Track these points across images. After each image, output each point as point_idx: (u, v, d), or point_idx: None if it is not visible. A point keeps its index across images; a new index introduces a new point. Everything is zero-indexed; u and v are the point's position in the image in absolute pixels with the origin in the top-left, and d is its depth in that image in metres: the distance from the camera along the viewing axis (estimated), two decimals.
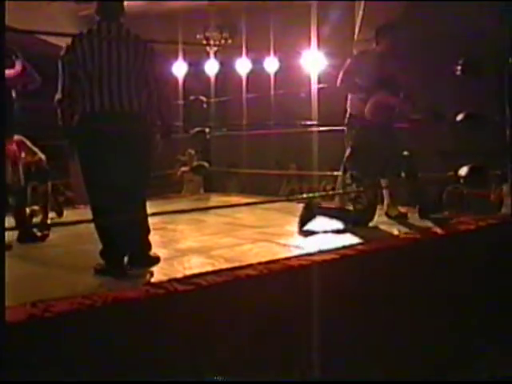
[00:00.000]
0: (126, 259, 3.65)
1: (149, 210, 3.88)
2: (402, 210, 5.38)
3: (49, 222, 5.36)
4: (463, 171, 4.96)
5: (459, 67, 4.93)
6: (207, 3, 9.80)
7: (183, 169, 9.42)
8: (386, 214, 5.31)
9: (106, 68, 3.61)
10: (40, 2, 7.74)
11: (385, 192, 5.31)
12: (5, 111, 2.46)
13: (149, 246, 3.85)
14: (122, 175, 3.59)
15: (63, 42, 3.85)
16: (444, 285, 4.19)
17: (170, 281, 3.27)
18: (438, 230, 4.67)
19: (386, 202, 5.35)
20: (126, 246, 3.66)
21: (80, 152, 3.75)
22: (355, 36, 9.13)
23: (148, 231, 3.84)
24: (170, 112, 3.99)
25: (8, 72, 4.46)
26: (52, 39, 7.37)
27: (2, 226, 2.56)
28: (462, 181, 5.06)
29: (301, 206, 5.09)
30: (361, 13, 9.08)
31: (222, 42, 9.71)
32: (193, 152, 9.56)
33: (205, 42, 9.68)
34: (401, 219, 5.16)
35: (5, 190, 4.21)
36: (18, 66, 4.57)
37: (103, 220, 3.59)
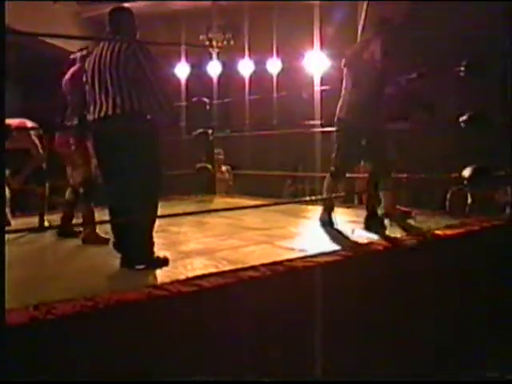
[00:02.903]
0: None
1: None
2: (403, 209, 5.36)
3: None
4: (467, 172, 4.95)
5: (462, 68, 4.90)
6: (210, 4, 9.82)
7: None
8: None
9: (97, 75, 3.80)
10: (43, 2, 7.75)
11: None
12: (4, 109, 2.45)
13: (151, 247, 3.83)
14: (126, 177, 3.66)
15: (67, 45, 3.97)
16: (447, 286, 4.18)
17: (173, 282, 3.26)
18: (441, 232, 4.66)
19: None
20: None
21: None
22: (358, 37, 9.12)
23: (152, 233, 3.83)
24: (172, 108, 4.00)
25: None
26: (55, 41, 7.39)
27: (2, 226, 2.56)
28: (465, 182, 5.05)
29: (304, 207, 5.09)
30: (364, 13, 9.08)
31: (225, 43, 9.70)
32: (221, 152, 9.55)
33: (208, 43, 9.69)
34: (401, 219, 5.14)
35: (4, 190, 4.22)
36: None
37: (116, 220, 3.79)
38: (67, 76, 4.94)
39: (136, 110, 3.71)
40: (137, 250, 3.76)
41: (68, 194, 5.11)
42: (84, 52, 4.79)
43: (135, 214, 3.67)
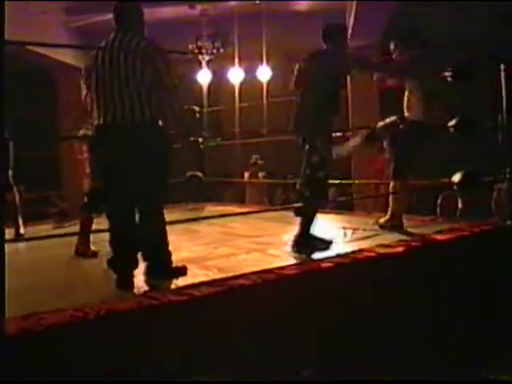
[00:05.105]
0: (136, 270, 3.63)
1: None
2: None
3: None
4: (457, 177, 4.95)
5: (450, 73, 4.91)
6: (199, 12, 9.84)
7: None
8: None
9: (108, 79, 3.58)
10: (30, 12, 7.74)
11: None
12: (4, 110, 2.44)
13: (169, 258, 3.73)
14: (133, 185, 3.59)
15: (57, 54, 3.89)
16: (440, 291, 4.17)
17: (164, 292, 3.25)
18: (434, 237, 4.66)
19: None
20: (135, 257, 3.64)
21: (101, 163, 3.80)
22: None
23: (166, 243, 3.74)
24: (176, 117, 3.95)
25: None
26: (44, 50, 7.38)
27: (2, 230, 2.54)
28: (455, 187, 5.06)
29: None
30: (352, 20, 9.11)
31: (214, 51, 9.72)
32: (258, 157, 9.52)
33: (197, 51, 9.70)
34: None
35: (4, 194, 4.16)
36: None
37: (116, 229, 3.61)
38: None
39: (152, 117, 3.58)
40: (158, 261, 3.69)
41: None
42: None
43: (149, 225, 3.62)
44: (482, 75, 5.09)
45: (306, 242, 4.34)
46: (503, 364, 4.14)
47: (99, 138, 3.67)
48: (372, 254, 4.18)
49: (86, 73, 3.79)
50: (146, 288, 3.47)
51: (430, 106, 4.92)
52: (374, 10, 8.50)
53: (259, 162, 9.89)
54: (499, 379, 3.96)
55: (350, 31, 9.09)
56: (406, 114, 5.02)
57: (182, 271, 3.71)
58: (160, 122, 3.66)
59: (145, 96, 3.55)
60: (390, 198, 5.10)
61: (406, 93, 5.04)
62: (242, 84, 9.56)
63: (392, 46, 5.12)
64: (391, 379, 3.63)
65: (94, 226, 4.61)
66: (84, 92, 3.91)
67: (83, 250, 4.58)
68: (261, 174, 10.19)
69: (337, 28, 4.67)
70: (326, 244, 4.38)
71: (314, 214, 4.41)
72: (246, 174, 10.31)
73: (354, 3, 8.97)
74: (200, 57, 9.56)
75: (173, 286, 3.44)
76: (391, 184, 5.09)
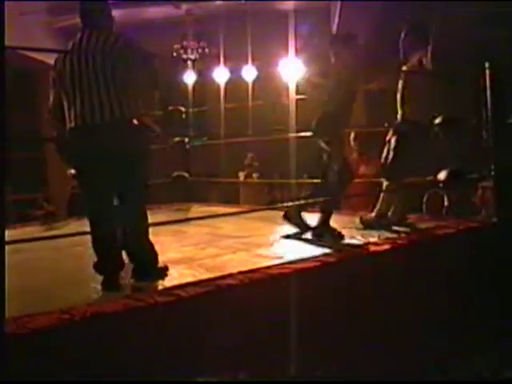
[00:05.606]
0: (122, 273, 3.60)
1: None
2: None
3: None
4: (442, 175, 4.98)
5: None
6: (184, 12, 9.83)
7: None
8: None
9: (81, 80, 3.51)
10: (12, 13, 7.67)
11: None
12: (4, 110, 2.42)
13: (154, 258, 3.73)
14: (113, 187, 3.58)
15: (40, 55, 3.82)
16: (425, 289, 4.19)
17: (150, 293, 3.24)
18: (420, 235, 4.68)
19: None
20: (120, 259, 3.62)
21: (73, 166, 3.75)
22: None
23: (150, 243, 3.72)
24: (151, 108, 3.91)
25: None
26: (27, 52, 7.33)
27: (2, 228, 2.53)
28: (441, 185, 5.08)
29: (281, 214, 5.08)
30: (336, 19, 9.14)
31: (200, 51, 9.71)
32: (253, 157, 9.49)
33: (182, 51, 9.69)
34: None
35: (4, 193, 4.10)
36: None
37: (97, 232, 3.55)
38: None
39: (131, 115, 3.54)
40: (144, 263, 3.68)
41: None
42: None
43: (132, 227, 3.59)
44: (468, 74, 5.12)
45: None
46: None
47: (78, 141, 3.57)
48: (358, 253, 4.20)
49: (55, 75, 3.67)
50: (132, 289, 3.46)
51: (426, 106, 4.95)
52: (358, 10, 8.53)
53: (255, 162, 9.87)
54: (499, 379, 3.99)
55: (334, 30, 9.13)
56: (400, 114, 5.05)
57: (165, 271, 3.71)
58: (135, 121, 3.60)
59: (122, 94, 3.50)
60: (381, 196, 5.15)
61: (399, 94, 5.06)
62: (227, 84, 9.55)
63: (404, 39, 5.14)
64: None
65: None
66: (52, 96, 3.76)
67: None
68: (255, 175, 10.16)
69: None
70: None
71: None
72: (241, 175, 10.26)
73: (339, 3, 8.99)
74: (185, 56, 9.55)
75: (159, 287, 3.43)
76: (384, 183, 5.13)
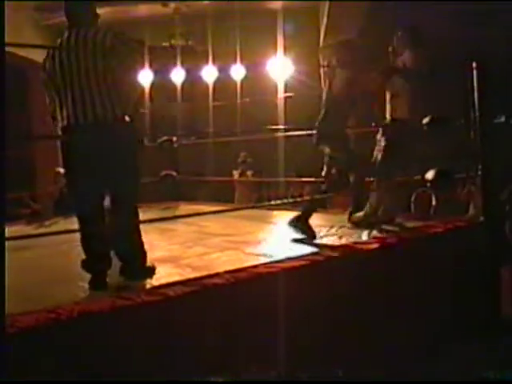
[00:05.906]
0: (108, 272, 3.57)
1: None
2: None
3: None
4: (430, 175, 5.00)
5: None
6: (172, 10, 9.80)
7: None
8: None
9: (71, 79, 3.49)
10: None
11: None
12: (4, 111, 2.40)
13: (143, 257, 3.71)
14: (105, 185, 3.56)
15: (29, 53, 3.79)
16: (413, 288, 4.20)
17: (137, 292, 3.23)
18: (408, 234, 4.70)
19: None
20: (108, 257, 3.60)
21: (64, 163, 3.68)
22: (321, 42, 9.19)
23: (140, 242, 3.70)
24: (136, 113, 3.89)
25: None
26: (15, 49, 7.29)
27: (2, 228, 2.50)
28: (428, 184, 5.10)
29: (269, 212, 5.09)
30: (325, 19, 9.14)
31: (188, 49, 9.70)
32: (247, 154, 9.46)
33: (171, 49, 9.67)
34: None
35: (5, 192, 4.06)
36: None
37: (86, 230, 3.53)
38: None
39: (121, 111, 3.53)
40: (132, 261, 3.65)
41: None
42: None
43: (123, 226, 3.58)
44: (456, 73, 5.14)
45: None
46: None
47: (72, 140, 3.55)
48: (347, 251, 4.20)
49: (45, 76, 3.65)
50: (119, 288, 3.44)
51: (417, 106, 4.96)
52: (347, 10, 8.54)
53: (248, 160, 9.84)
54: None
55: (323, 31, 9.13)
56: (391, 115, 5.07)
57: (153, 270, 3.70)
58: (127, 118, 3.59)
59: (113, 90, 3.49)
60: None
61: (389, 95, 5.07)
62: (215, 82, 9.54)
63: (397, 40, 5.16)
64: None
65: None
66: (47, 98, 3.75)
67: None
68: (249, 173, 10.13)
69: None
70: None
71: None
72: (235, 173, 10.24)
73: (327, 3, 8.99)
74: (173, 54, 9.54)
75: (147, 286, 3.42)
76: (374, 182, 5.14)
